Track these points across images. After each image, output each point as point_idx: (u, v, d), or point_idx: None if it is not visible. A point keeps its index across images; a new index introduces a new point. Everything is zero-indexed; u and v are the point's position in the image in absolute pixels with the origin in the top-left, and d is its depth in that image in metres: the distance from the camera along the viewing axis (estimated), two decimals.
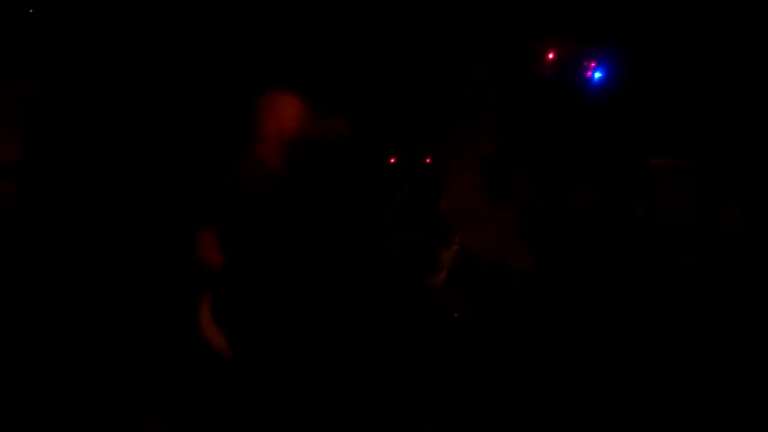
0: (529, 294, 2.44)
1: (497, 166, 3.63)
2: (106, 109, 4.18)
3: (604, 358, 2.26)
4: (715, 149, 4.51)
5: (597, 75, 4.70)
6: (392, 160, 5.90)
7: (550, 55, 4.59)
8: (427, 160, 5.61)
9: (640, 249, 2.50)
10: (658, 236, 4.45)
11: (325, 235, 1.76)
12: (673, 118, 4.86)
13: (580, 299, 2.34)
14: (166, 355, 2.88)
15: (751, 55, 4.54)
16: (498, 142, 3.99)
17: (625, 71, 4.76)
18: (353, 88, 4.79)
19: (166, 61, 4.53)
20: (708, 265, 3.49)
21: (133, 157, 4.01)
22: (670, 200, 4.81)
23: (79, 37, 4.29)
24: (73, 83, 4.14)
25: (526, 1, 4.59)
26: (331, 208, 1.75)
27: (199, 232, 2.78)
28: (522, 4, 4.56)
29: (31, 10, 4.26)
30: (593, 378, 2.23)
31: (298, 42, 4.85)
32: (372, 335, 1.75)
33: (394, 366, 1.81)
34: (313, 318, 1.68)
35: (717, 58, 4.72)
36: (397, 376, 1.81)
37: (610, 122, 4.71)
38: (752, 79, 4.52)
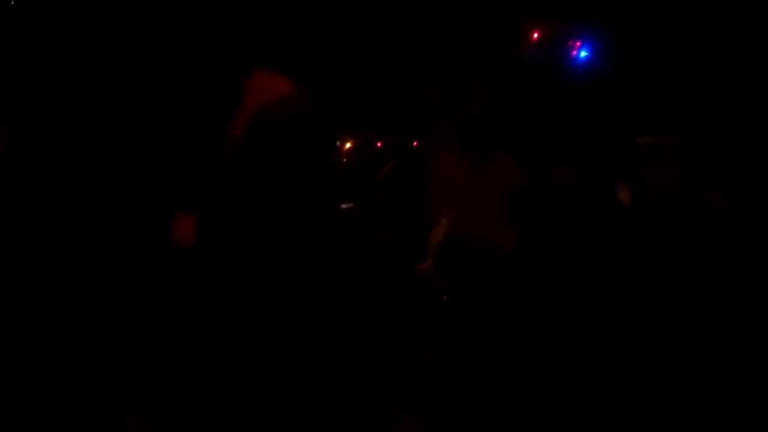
0: (517, 275, 2.42)
1: (482, 146, 3.60)
2: (90, 98, 4.15)
3: (593, 341, 2.24)
4: (703, 127, 4.50)
5: (583, 54, 4.68)
6: (378, 144, 5.91)
7: (535, 35, 4.57)
8: (414, 143, 5.61)
9: (626, 230, 2.48)
10: (645, 216, 4.45)
11: (303, 220, 1.73)
12: (659, 96, 4.85)
13: (567, 280, 2.31)
14: (149, 339, 2.86)
15: (740, 32, 4.53)
16: (483, 123, 3.97)
17: (611, 50, 4.75)
18: (338, 72, 4.77)
19: (152, 50, 4.50)
20: (696, 246, 3.48)
21: (120, 147, 3.98)
22: (657, 179, 4.80)
23: (61, 26, 4.25)
24: (59, 74, 4.10)
25: None
26: (308, 193, 1.72)
27: (177, 216, 2.78)
28: None
29: (12, 1, 4.23)
30: (583, 363, 2.21)
31: (281, 24, 4.82)
32: (357, 321, 1.73)
33: (379, 351, 1.79)
34: (294, 305, 1.67)
35: (704, 35, 4.70)
36: (381, 361, 1.79)
37: (596, 101, 4.69)
38: (740, 57, 4.51)
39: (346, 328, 1.63)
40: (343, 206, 2.84)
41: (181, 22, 4.64)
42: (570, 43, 4.69)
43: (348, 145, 5.65)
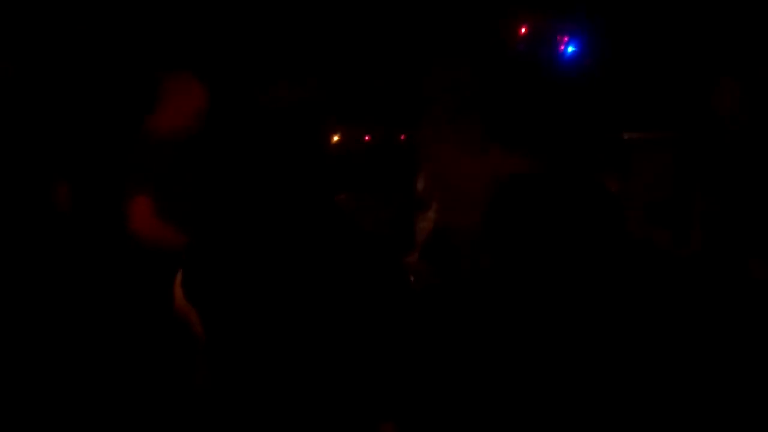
0: (503, 269, 2.41)
1: (473, 139, 3.62)
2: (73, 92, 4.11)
3: (580, 342, 2.24)
4: (691, 123, 4.52)
5: (570, 49, 4.68)
6: (366, 138, 5.89)
7: (522, 30, 4.57)
8: (402, 138, 5.61)
9: (617, 226, 2.47)
10: (632, 210, 4.46)
11: (296, 210, 1.72)
12: (647, 91, 4.86)
13: (554, 278, 2.31)
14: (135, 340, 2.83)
15: (728, 27, 4.54)
16: (473, 118, 3.98)
17: (599, 45, 4.76)
18: (327, 66, 4.76)
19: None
20: (687, 243, 3.51)
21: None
22: (646, 175, 4.82)
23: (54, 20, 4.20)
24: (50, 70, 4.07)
25: None
26: (301, 185, 1.72)
27: (130, 202, 2.74)
28: None
29: None
30: (573, 366, 2.21)
31: (269, 18, 4.80)
32: (349, 316, 1.71)
33: (371, 350, 1.78)
34: (290, 298, 1.66)
35: (691, 31, 4.72)
36: (372, 362, 1.77)
37: (584, 97, 4.71)
38: (728, 53, 4.53)
39: (349, 321, 1.63)
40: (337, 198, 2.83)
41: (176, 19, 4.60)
42: (558, 38, 4.69)
43: (335, 138, 5.64)
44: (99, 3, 4.24)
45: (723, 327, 2.41)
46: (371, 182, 5.19)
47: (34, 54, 4.02)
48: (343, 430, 1.69)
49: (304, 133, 1.69)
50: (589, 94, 4.74)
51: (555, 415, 2.07)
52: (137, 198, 2.73)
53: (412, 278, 3.29)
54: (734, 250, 3.27)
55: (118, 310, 2.76)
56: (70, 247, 2.92)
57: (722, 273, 3.16)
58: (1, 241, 2.89)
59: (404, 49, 4.86)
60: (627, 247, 2.35)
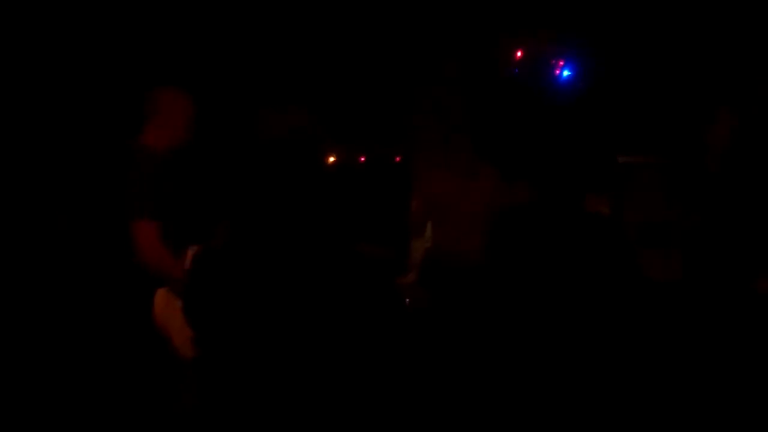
0: (498, 291, 2.42)
1: (466, 162, 3.64)
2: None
3: (573, 361, 2.26)
4: (683, 147, 4.56)
5: (566, 73, 4.72)
6: (362, 159, 5.92)
7: (518, 54, 4.61)
8: (397, 159, 5.64)
9: (610, 248, 2.49)
10: (627, 234, 4.48)
11: (293, 232, 1.74)
12: (641, 116, 4.90)
13: (549, 297, 2.33)
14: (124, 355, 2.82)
15: (722, 55, 4.59)
16: (467, 141, 4.00)
17: (593, 70, 4.79)
18: (324, 86, 4.79)
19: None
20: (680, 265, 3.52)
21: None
22: (639, 198, 4.84)
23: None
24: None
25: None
26: (296, 206, 1.73)
27: (135, 226, 2.73)
28: (490, 2, 4.58)
29: None
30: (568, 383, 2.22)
31: (261, 36, 4.82)
32: (344, 335, 1.72)
33: (368, 368, 1.79)
34: (287, 315, 1.67)
35: (685, 58, 4.76)
36: (370, 379, 1.79)
37: (578, 121, 4.74)
38: (720, 74, 4.57)
39: (344, 338, 1.64)
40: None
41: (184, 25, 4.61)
42: (553, 62, 4.74)
43: (331, 159, 5.65)
44: (92, 26, 4.26)
45: (726, 344, 2.42)
46: (366, 203, 5.22)
47: (27, 74, 4.04)
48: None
49: (307, 159, 1.71)
50: (584, 118, 4.77)
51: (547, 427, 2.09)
52: (141, 222, 2.70)
53: (407, 300, 3.30)
54: (721, 272, 3.31)
55: (116, 329, 2.76)
56: (70, 268, 2.92)
57: (715, 296, 3.18)
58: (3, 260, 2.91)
59: (398, 73, 4.90)
60: (622, 272, 2.36)
